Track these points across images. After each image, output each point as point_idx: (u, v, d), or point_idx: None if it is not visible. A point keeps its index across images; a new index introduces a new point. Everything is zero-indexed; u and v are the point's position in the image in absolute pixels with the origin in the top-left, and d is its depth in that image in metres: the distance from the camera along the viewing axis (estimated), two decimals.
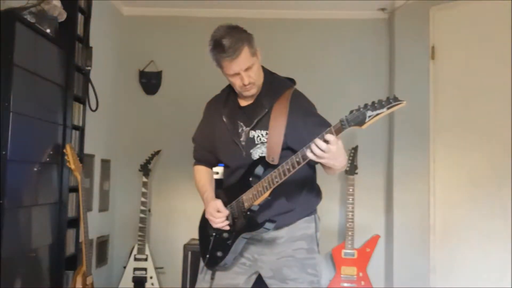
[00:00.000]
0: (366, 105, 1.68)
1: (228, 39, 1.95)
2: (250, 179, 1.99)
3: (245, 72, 2.00)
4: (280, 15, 4.16)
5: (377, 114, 1.66)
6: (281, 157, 1.98)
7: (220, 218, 2.04)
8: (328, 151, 1.76)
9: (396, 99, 1.66)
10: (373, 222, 4.03)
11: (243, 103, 2.15)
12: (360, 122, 1.68)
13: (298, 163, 1.82)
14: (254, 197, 1.96)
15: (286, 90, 2.10)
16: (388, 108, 1.66)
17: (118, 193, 4.20)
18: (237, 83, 2.05)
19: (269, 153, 2.00)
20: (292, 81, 2.18)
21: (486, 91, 3.35)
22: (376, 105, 1.67)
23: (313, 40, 4.19)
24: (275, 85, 2.12)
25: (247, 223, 1.99)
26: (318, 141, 1.75)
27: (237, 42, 1.95)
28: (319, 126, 1.87)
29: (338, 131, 1.73)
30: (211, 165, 2.30)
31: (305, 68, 4.04)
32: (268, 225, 1.93)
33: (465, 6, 3.48)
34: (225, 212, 2.04)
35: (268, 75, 2.16)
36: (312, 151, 1.76)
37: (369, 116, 1.67)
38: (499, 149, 3.24)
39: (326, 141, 1.75)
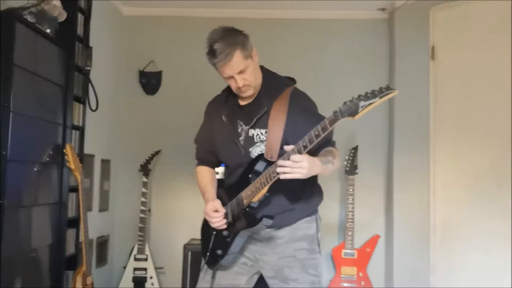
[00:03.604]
0: (359, 96, 1.70)
1: (219, 44, 1.97)
2: (250, 176, 2.00)
3: (239, 75, 2.02)
4: (280, 15, 4.16)
5: (370, 104, 1.68)
6: (280, 155, 1.99)
7: (217, 217, 2.05)
8: (302, 167, 1.81)
9: (388, 88, 1.68)
10: (373, 222, 4.03)
11: (242, 102, 2.16)
12: (353, 112, 1.69)
13: None
14: (253, 193, 1.97)
15: (285, 89, 2.11)
16: (381, 97, 1.67)
17: (118, 193, 4.20)
18: (233, 85, 2.07)
19: (268, 151, 2.01)
20: (292, 80, 2.19)
21: (486, 91, 3.35)
22: (368, 95, 1.69)
23: (313, 40, 4.19)
24: (274, 84, 2.13)
25: (245, 220, 2.00)
26: (281, 161, 1.83)
27: (228, 46, 1.96)
28: (318, 124, 1.87)
29: (332, 123, 1.74)
30: (213, 165, 2.31)
31: (305, 68, 4.04)
32: (266, 220, 1.93)
33: (465, 6, 3.47)
34: (223, 211, 2.05)
35: (267, 74, 2.17)
36: (282, 171, 1.83)
37: (362, 106, 1.68)
38: (499, 148, 3.24)
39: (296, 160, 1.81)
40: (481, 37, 3.40)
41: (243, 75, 2.02)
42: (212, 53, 1.98)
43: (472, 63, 3.43)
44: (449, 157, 3.55)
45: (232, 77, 2.02)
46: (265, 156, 2.01)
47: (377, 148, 4.07)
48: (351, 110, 1.69)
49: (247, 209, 2.00)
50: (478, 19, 3.42)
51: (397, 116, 3.83)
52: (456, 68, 3.55)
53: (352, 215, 3.82)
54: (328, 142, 2.02)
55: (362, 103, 1.68)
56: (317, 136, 1.77)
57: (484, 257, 3.27)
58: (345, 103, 1.71)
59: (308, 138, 1.79)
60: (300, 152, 1.82)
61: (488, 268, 3.25)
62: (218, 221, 2.05)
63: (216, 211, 2.05)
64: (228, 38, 1.98)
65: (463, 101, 3.48)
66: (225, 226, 2.06)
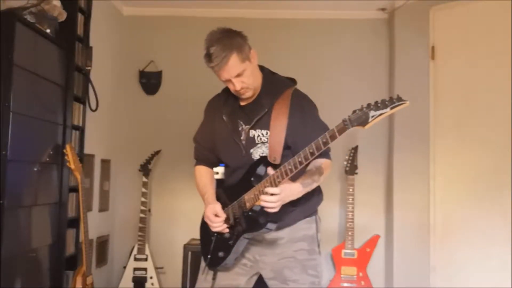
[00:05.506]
0: (369, 105, 1.67)
1: (215, 48, 1.95)
2: (252, 179, 1.98)
3: (236, 78, 2.01)
4: (280, 15, 4.16)
5: (380, 114, 1.65)
6: (283, 156, 1.99)
7: (217, 222, 2.03)
8: (278, 199, 1.85)
9: (399, 99, 1.65)
10: (373, 222, 4.03)
11: (243, 102, 2.15)
12: (363, 122, 1.67)
13: (300, 163, 1.82)
14: (256, 197, 1.95)
15: (286, 89, 2.11)
16: (392, 108, 1.65)
17: (118, 193, 4.20)
18: (231, 88, 2.07)
19: (271, 153, 2.00)
20: (292, 81, 2.18)
21: (486, 91, 3.35)
22: (379, 105, 1.66)
23: (313, 40, 4.19)
24: (274, 85, 2.12)
25: (249, 224, 1.98)
26: (264, 197, 1.86)
27: (224, 50, 1.94)
28: (317, 130, 1.88)
29: (341, 131, 1.72)
30: (212, 165, 2.30)
31: (305, 68, 4.04)
32: (270, 225, 1.92)
33: (465, 6, 3.47)
34: (223, 216, 2.03)
35: (268, 75, 2.16)
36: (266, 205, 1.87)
37: (372, 116, 1.66)
38: (499, 148, 3.24)
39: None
40: (481, 37, 3.39)
41: (241, 78, 2.01)
42: (208, 57, 1.97)
43: (472, 63, 3.43)
44: (449, 157, 3.54)
45: (229, 80, 2.02)
46: (268, 159, 2.00)
47: (377, 148, 4.06)
48: (361, 119, 1.67)
49: (250, 213, 1.98)
50: (478, 19, 3.42)
51: (397, 116, 3.83)
52: (456, 68, 3.54)
53: (352, 215, 3.82)
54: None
55: (372, 113, 1.66)
56: (325, 143, 1.76)
57: (484, 257, 3.27)
58: (354, 111, 1.69)
59: (315, 145, 1.78)
60: (307, 159, 1.81)
61: (488, 268, 3.25)
62: (219, 226, 2.03)
63: (217, 215, 2.04)
64: (224, 41, 1.96)
65: (463, 101, 3.48)
66: (226, 230, 2.05)
